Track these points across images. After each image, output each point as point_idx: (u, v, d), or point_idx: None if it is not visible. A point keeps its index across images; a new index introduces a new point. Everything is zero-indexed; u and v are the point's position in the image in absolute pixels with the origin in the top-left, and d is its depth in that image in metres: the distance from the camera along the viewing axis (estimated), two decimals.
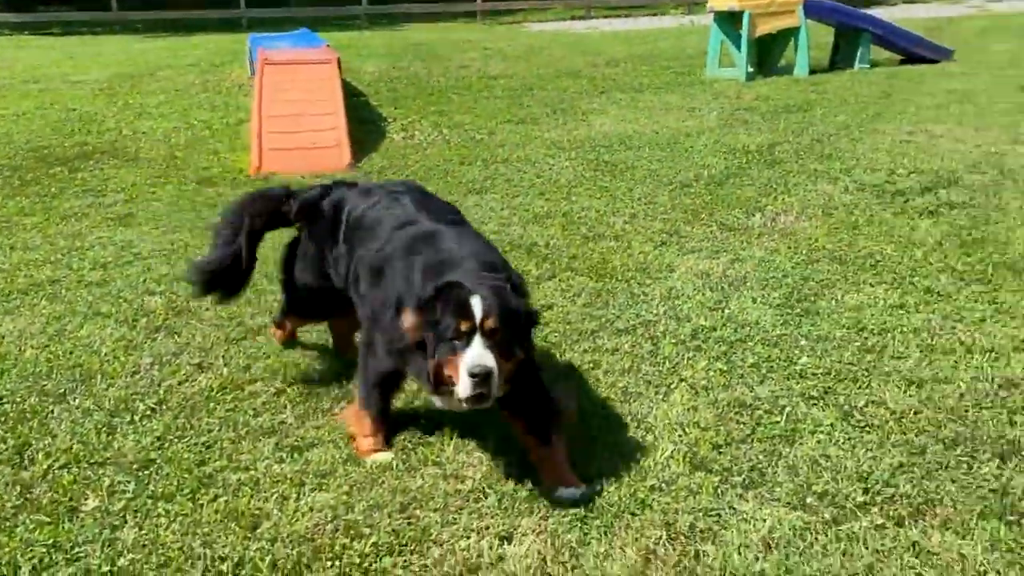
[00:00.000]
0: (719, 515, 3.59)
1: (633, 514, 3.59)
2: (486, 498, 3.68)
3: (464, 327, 3.45)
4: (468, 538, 3.44)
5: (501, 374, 3.45)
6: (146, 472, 3.85)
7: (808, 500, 3.69)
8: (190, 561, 3.29)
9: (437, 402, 3.70)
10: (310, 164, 8.94)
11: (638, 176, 8.61)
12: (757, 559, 3.34)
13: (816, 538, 3.46)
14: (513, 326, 3.56)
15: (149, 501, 3.65)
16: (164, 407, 4.38)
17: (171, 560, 3.29)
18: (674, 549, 3.39)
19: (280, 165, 8.99)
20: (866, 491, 3.71)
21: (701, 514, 3.59)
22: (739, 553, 3.37)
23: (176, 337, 5.15)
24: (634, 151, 9.54)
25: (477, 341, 3.44)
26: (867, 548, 3.39)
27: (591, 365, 4.81)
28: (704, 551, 3.38)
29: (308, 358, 4.88)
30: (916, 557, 3.34)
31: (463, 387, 3.42)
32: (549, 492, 3.69)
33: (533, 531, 3.48)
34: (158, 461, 3.92)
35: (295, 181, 8.48)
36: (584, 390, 4.56)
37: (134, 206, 7.89)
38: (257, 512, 3.58)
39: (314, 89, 10.35)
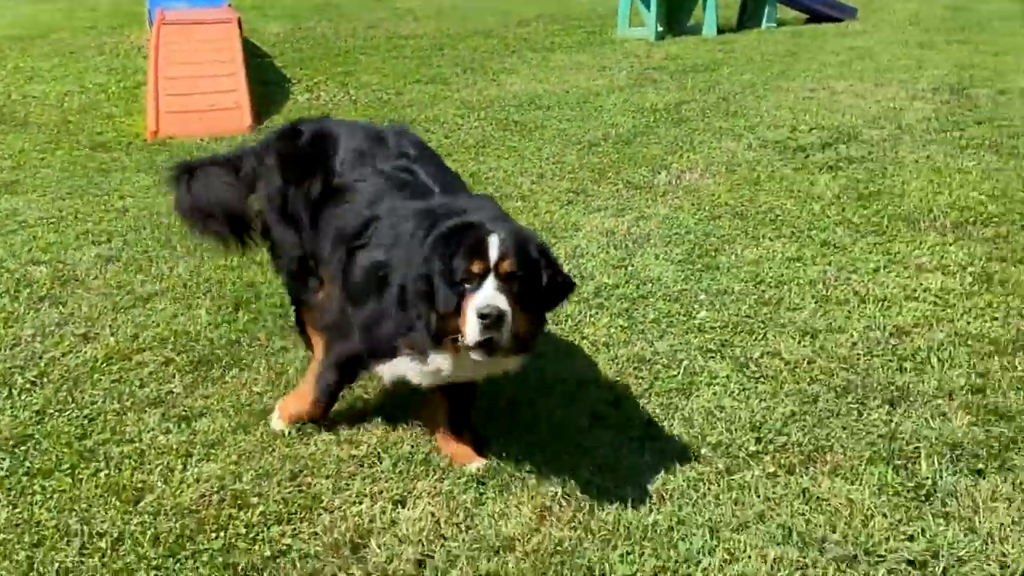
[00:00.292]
0: (615, 470, 3.59)
1: (530, 472, 3.57)
2: (381, 463, 3.61)
3: (477, 268, 3.13)
4: (360, 503, 3.37)
5: (515, 323, 3.09)
6: (23, 448, 3.67)
7: (702, 451, 3.72)
8: (66, 539, 3.14)
9: (418, 373, 3.39)
10: (209, 127, 8.64)
11: (547, 136, 8.55)
12: (651, 511, 3.35)
13: (709, 488, 3.48)
14: (534, 276, 3.22)
15: (24, 478, 3.48)
16: (45, 380, 4.18)
17: (45, 539, 3.14)
18: (569, 505, 3.38)
19: (178, 128, 8.66)
20: (759, 440, 3.76)
21: (597, 469, 3.59)
22: (633, 506, 3.37)
23: (61, 307, 4.92)
24: (544, 111, 9.46)
25: (490, 282, 3.11)
26: (758, 496, 3.43)
27: None
28: (599, 505, 3.38)
29: (199, 325, 4.71)
30: (806, 503, 3.40)
31: (470, 330, 3.07)
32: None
33: (428, 493, 3.43)
34: (36, 436, 3.74)
35: (194, 145, 8.26)
36: None
37: (21, 172, 7.51)
38: (140, 485, 3.45)
39: (213, 49, 9.98)
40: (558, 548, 3.14)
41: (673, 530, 3.26)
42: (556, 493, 3.43)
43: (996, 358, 4.34)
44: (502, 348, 3.12)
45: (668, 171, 7.33)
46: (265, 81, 10.82)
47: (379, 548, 3.15)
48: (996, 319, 4.71)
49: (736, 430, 3.83)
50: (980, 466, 3.58)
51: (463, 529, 3.25)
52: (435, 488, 3.46)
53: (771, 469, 3.60)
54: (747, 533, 3.24)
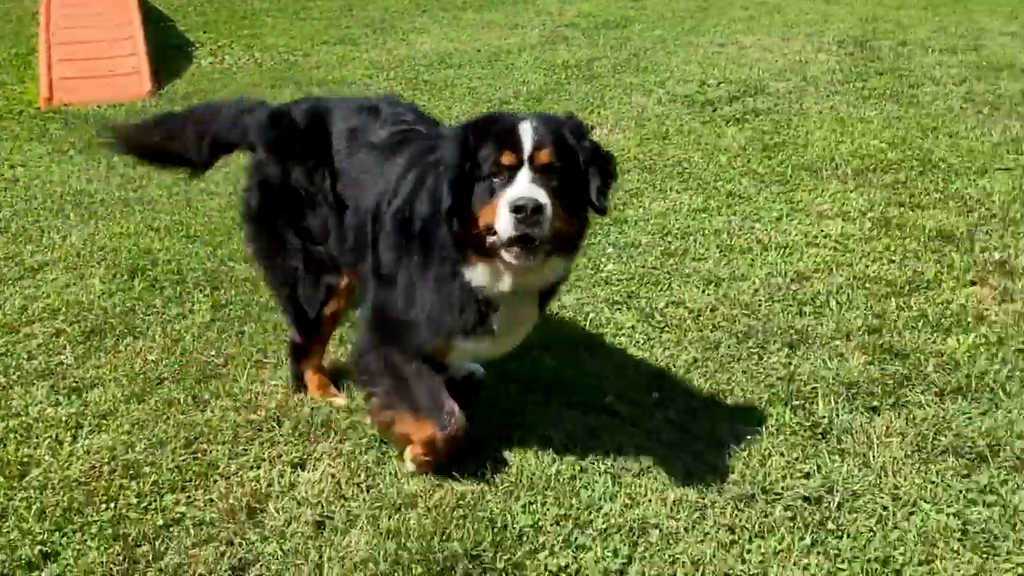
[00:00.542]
0: (520, 423, 3.58)
1: None
2: (280, 426, 3.54)
3: (508, 159, 2.79)
4: (258, 468, 3.30)
5: (555, 219, 2.76)
6: None
7: (607, 400, 3.72)
8: None
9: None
10: (107, 93, 8.33)
11: (457, 94, 8.44)
12: (554, 461, 3.34)
13: (612, 436, 3.49)
14: (573, 166, 2.88)
15: None
16: None
17: None
18: (473, 459, 3.35)
19: (74, 95, 8.31)
20: (661, 388, 3.78)
21: (502, 423, 3.57)
22: (536, 456, 3.36)
23: None
24: (455, 69, 9.33)
25: (524, 174, 2.78)
26: (660, 442, 3.45)
27: None
28: (503, 458, 3.36)
29: (92, 294, 4.54)
30: (706, 447, 3.43)
31: (503, 225, 2.72)
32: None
33: (329, 455, 3.37)
34: None
35: (91, 113, 7.94)
36: None
37: None
38: (26, 460, 3.31)
39: (109, 13, 9.62)
40: (460, 502, 3.11)
41: (576, 478, 3.26)
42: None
43: (892, 299, 4.43)
44: (542, 247, 2.79)
45: None
46: (167, 45, 10.45)
47: (277, 512, 3.08)
48: (893, 262, 4.81)
49: (640, 379, 3.85)
50: (875, 403, 3.66)
51: (364, 489, 3.21)
52: (336, 450, 3.40)
53: (672, 416, 3.62)
54: (648, 477, 3.26)
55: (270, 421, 3.56)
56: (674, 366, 3.93)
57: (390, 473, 3.27)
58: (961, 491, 3.17)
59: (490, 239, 2.84)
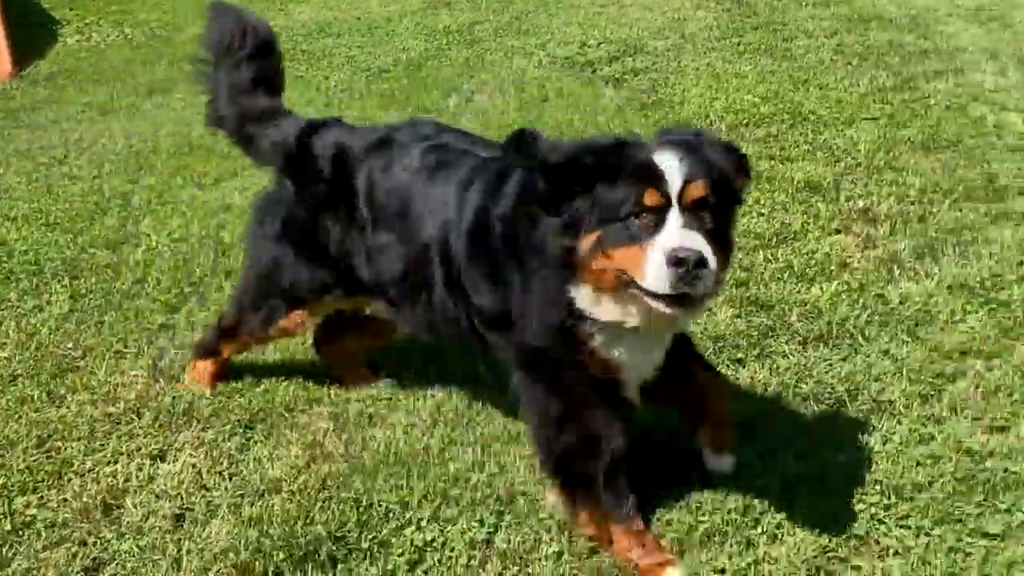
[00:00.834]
0: (390, 399, 3.53)
1: (302, 411, 3.47)
2: (140, 418, 3.42)
3: (652, 200, 2.43)
4: (115, 463, 3.19)
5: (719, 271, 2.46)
6: None
7: (481, 370, 3.70)
8: None
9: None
10: None
11: (336, 63, 8.26)
12: (423, 435, 3.31)
13: (484, 406, 3.48)
14: (729, 198, 2.59)
15: None
16: None
17: None
18: (340, 439, 3.30)
19: None
20: None
21: (371, 400, 3.52)
22: (406, 432, 3.33)
23: None
24: (333, 39, 9.13)
25: (675, 219, 2.43)
26: None
27: None
28: (371, 436, 3.32)
29: None
30: None
31: (655, 279, 2.37)
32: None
33: (191, 444, 3.28)
34: None
35: None
36: None
37: None
38: None
39: None
40: (325, 484, 3.06)
41: (445, 451, 3.24)
42: (327, 428, 3.35)
43: (761, 251, 4.51)
44: (702, 301, 2.52)
45: (459, 93, 7.23)
46: (29, 24, 9.95)
47: (134, 507, 2.98)
48: (763, 215, 4.89)
49: None
50: (740, 355, 3.73)
51: (226, 477, 3.13)
52: (198, 439, 3.30)
53: None
54: (517, 444, 3.26)
55: (129, 413, 3.44)
56: None
57: (253, 459, 3.20)
58: (822, 436, 3.25)
59: (626, 283, 2.48)
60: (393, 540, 2.84)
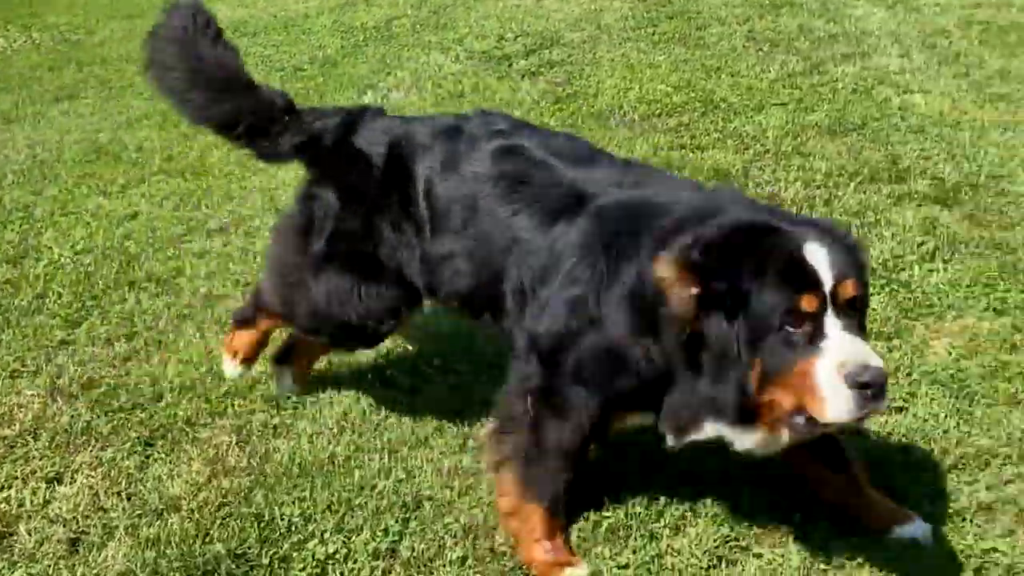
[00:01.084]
0: (293, 408, 3.48)
1: (204, 425, 3.40)
2: (36, 440, 3.32)
3: (808, 305, 2.16)
4: (9, 488, 3.09)
5: None
6: None
7: (388, 373, 3.67)
8: None
9: (673, 439, 2.56)
10: None
11: (250, 63, 7.86)
12: (329, 443, 3.27)
13: (392, 410, 3.45)
14: (866, 293, 2.38)
15: None
16: None
17: None
18: (244, 452, 3.25)
19: None
20: (441, 356, 3.75)
21: (275, 411, 3.47)
22: (311, 441, 3.28)
23: None
24: (249, 37, 8.96)
25: (834, 323, 2.17)
26: (440, 410, 3.43)
27: (174, 273, 4.48)
28: (275, 447, 3.27)
29: None
30: (484, 409, 3.41)
31: (837, 404, 2.10)
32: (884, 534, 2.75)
33: (88, 465, 3.19)
34: None
35: None
36: (168, 299, 4.24)
37: None
38: None
39: None
40: (226, 499, 3.01)
41: (351, 459, 3.20)
42: (230, 442, 3.29)
43: None
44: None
45: (375, 90, 7.16)
46: None
47: (28, 534, 2.89)
48: None
49: (424, 349, 3.81)
50: None
51: (124, 497, 3.05)
52: (96, 459, 3.22)
53: (453, 381, 3.61)
54: (425, 448, 3.24)
55: (25, 436, 3.34)
56: (458, 332, 3.90)
57: (153, 477, 3.13)
58: None
59: (788, 412, 2.22)
60: (295, 554, 2.80)
